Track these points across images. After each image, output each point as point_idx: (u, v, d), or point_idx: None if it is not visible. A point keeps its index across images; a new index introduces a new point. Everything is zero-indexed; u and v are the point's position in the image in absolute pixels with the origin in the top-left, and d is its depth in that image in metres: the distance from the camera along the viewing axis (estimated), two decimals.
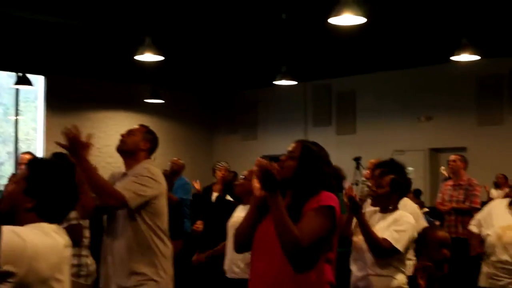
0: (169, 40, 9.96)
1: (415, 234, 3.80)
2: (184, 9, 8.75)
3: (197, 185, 8.95)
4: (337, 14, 6.27)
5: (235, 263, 4.80)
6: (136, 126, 3.90)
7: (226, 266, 4.99)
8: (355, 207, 3.66)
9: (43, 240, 2.17)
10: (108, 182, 3.59)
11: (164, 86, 14.17)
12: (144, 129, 3.88)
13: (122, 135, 3.82)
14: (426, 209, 8.71)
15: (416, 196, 8.29)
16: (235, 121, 16.35)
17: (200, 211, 7.79)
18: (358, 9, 6.29)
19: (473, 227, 4.74)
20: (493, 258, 4.35)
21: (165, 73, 12.74)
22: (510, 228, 4.31)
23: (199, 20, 9.37)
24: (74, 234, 3.99)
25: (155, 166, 3.76)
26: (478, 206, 6.74)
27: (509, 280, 4.27)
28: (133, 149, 3.76)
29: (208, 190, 8.32)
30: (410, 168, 12.34)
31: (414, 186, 9.99)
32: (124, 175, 3.69)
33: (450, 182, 7.64)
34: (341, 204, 2.96)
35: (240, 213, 4.95)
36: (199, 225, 6.68)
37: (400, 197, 3.90)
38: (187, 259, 5.83)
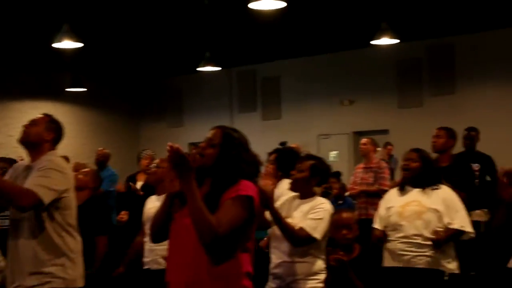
0: (89, 27, 9.69)
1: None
2: None
3: (120, 187, 8.82)
4: None
5: (159, 254, 4.75)
6: (39, 115, 3.68)
7: (147, 259, 4.93)
8: (264, 201, 3.61)
9: None
10: (13, 184, 3.37)
11: (85, 74, 13.81)
12: (47, 118, 3.67)
13: (25, 126, 3.60)
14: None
15: (337, 179, 8.43)
16: (160, 109, 16.15)
17: (125, 201, 7.66)
18: None
19: (376, 225, 4.61)
20: (398, 235, 4.36)
21: (86, 60, 12.42)
22: (408, 204, 4.39)
23: (119, 5, 9.17)
24: None
25: (59, 158, 3.59)
26: (387, 188, 6.86)
27: (414, 254, 4.28)
28: (36, 140, 3.54)
29: (132, 179, 8.20)
30: (334, 152, 12.59)
31: (339, 169, 10.18)
32: (28, 168, 3.50)
33: (361, 165, 7.92)
34: None
35: (153, 204, 4.88)
36: (123, 215, 6.54)
37: (321, 183, 3.94)
38: (115, 252, 5.73)
